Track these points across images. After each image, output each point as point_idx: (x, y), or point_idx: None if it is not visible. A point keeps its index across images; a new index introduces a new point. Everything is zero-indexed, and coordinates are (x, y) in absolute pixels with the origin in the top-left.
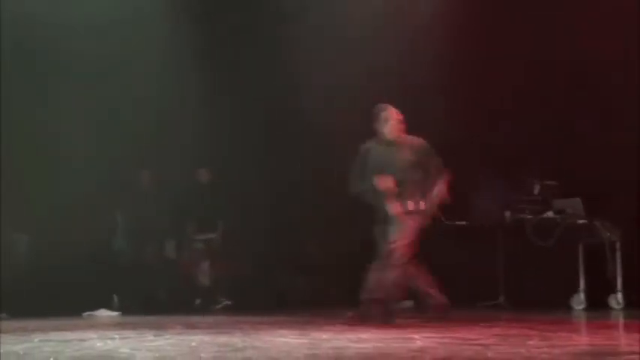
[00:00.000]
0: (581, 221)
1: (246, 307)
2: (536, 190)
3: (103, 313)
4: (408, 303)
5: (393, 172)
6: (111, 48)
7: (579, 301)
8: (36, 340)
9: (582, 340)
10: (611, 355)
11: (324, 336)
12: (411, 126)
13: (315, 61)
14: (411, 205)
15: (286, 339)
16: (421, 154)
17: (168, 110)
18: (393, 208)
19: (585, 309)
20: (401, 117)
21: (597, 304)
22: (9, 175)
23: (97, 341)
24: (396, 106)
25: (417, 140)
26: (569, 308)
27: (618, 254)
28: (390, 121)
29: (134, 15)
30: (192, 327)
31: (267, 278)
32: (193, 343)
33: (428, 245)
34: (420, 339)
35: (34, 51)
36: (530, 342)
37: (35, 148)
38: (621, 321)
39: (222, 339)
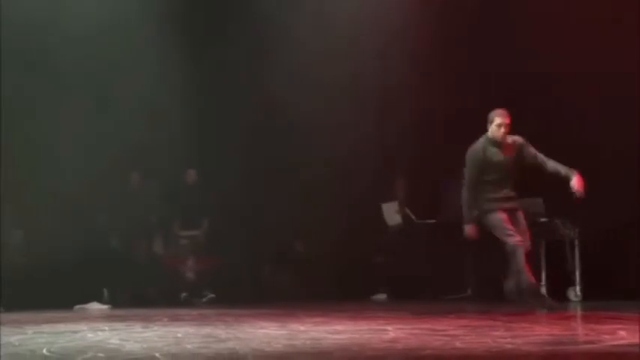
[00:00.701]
0: (542, 220)
1: (229, 300)
2: None
3: (94, 306)
4: (382, 296)
5: (501, 170)
6: (99, 51)
7: None
8: (30, 331)
9: (543, 330)
10: (569, 344)
11: (302, 327)
12: (382, 125)
13: (298, 61)
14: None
15: (267, 330)
16: (519, 150)
17: (158, 112)
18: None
19: None
20: (509, 121)
21: (557, 296)
22: (5, 173)
23: (87, 333)
24: (372, 108)
25: (516, 139)
26: None
27: (577, 251)
28: (498, 126)
29: (120, 19)
30: (178, 319)
31: (250, 273)
32: (179, 335)
33: (402, 242)
34: (392, 330)
35: (29, 54)
36: (496, 332)
37: (31, 148)
38: (579, 312)
39: (207, 330)
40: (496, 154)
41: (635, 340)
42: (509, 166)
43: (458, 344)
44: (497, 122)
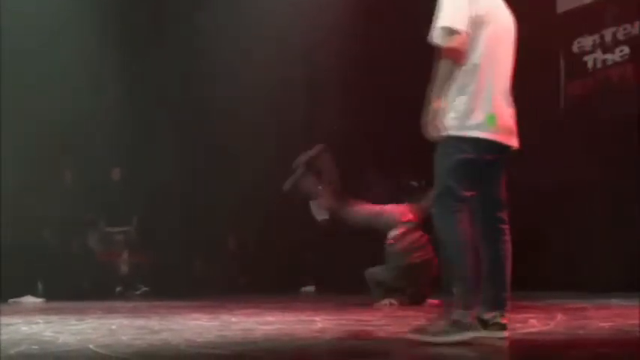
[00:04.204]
0: None
1: (162, 293)
2: (417, 184)
3: (29, 300)
4: (310, 288)
5: None
6: (31, 47)
7: None
8: None
9: None
10: None
11: (234, 319)
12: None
13: (229, 59)
14: None
15: (199, 322)
16: None
17: (89, 111)
18: None
19: None
20: None
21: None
22: None
23: (22, 325)
24: (301, 104)
25: None
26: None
27: None
28: None
29: (51, 16)
30: (112, 312)
31: (183, 266)
32: (113, 327)
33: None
34: (320, 321)
35: None
36: (417, 322)
37: None
38: None
39: (140, 322)
40: None
41: (544, 328)
42: None
43: (381, 334)
44: None
